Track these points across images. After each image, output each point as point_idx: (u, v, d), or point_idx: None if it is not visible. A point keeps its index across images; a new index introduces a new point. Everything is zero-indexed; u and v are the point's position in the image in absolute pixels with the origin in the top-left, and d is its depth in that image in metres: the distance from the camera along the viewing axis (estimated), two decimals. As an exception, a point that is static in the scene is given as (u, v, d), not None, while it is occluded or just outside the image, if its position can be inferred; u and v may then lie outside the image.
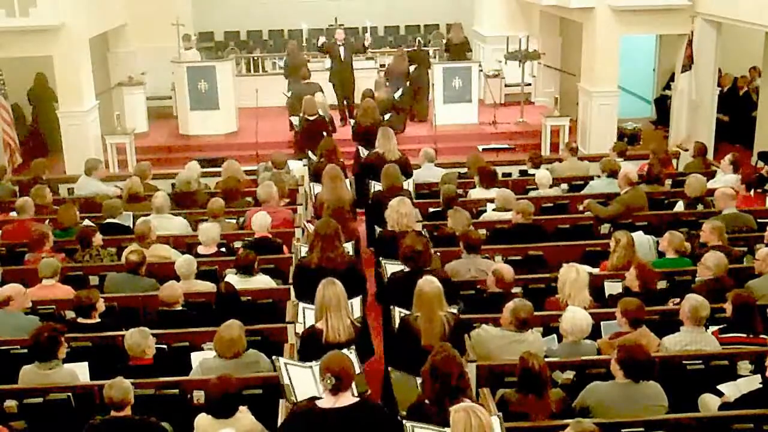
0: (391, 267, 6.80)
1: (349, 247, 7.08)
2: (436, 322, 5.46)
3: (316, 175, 9.37)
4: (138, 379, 5.15)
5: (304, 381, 5.12)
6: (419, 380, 4.84)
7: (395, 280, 6.49)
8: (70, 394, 5.35)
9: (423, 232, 7.40)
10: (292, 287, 6.71)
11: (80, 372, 5.64)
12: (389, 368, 5.62)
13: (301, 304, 6.21)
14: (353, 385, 4.62)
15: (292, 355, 5.78)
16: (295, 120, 12.00)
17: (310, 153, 10.78)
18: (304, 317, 6.08)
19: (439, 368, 4.54)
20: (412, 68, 14.30)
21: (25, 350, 5.65)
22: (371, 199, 8.88)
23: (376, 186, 8.86)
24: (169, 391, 5.36)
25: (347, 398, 4.45)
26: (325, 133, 11.07)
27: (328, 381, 4.41)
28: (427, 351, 4.98)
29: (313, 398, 4.63)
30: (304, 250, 7.08)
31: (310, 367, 5.18)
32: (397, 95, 13.49)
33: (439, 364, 4.55)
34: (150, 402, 5.19)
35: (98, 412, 5.06)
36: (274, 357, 5.45)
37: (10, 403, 5.31)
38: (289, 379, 5.13)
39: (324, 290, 5.49)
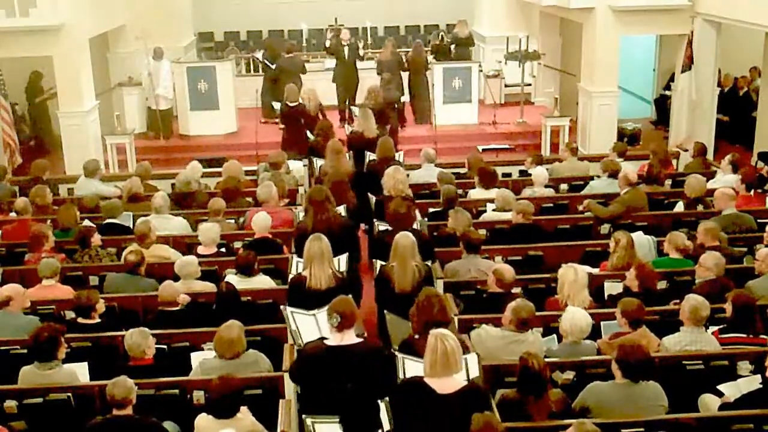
0: (383, 227, 7.56)
1: (341, 210, 7.82)
2: (408, 270, 6.24)
3: (313, 151, 10.24)
4: (138, 379, 5.14)
5: (308, 327, 5.73)
6: (409, 323, 5.48)
7: (380, 237, 7.32)
8: (70, 394, 5.34)
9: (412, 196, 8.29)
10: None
11: (80, 372, 5.64)
12: (384, 311, 6.33)
13: (295, 258, 7.00)
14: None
15: (292, 358, 5.79)
16: (278, 105, 12.18)
17: (310, 136, 11.03)
18: (297, 269, 6.78)
19: (422, 306, 5.27)
20: (431, 58, 14.47)
21: (25, 350, 5.65)
22: (365, 169, 9.59)
23: (370, 156, 9.68)
24: (169, 391, 5.37)
25: (351, 337, 5.05)
26: (303, 120, 11.47)
27: (335, 319, 5.00)
28: (400, 295, 5.97)
29: (321, 338, 5.21)
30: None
31: (314, 314, 5.80)
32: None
33: (422, 302, 5.29)
34: (150, 402, 5.19)
35: (98, 412, 5.08)
36: (282, 306, 6.11)
37: (10, 403, 5.31)
38: (296, 325, 5.79)
39: (310, 244, 6.25)
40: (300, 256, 6.81)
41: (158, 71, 13.60)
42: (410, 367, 5.06)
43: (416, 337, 5.29)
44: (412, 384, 4.69)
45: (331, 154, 9.11)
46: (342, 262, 6.82)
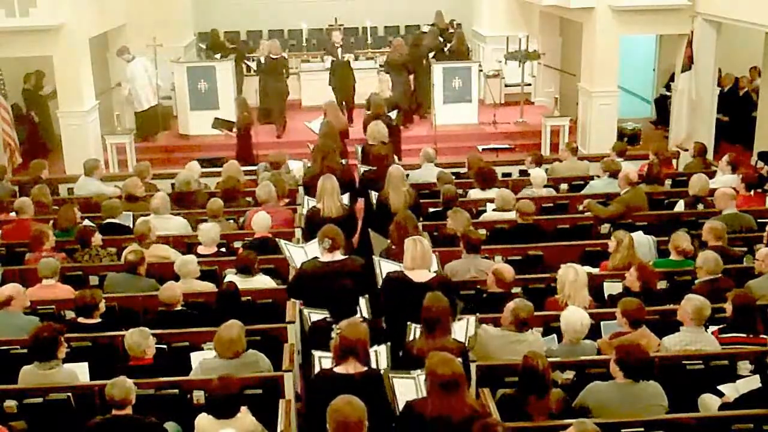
0: (363, 168, 9.48)
1: (344, 161, 9.58)
2: (400, 194, 7.98)
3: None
4: (138, 379, 5.14)
5: (299, 255, 6.96)
6: (389, 241, 7.06)
7: (367, 175, 9.09)
8: (70, 394, 5.35)
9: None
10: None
11: (80, 372, 5.64)
12: (369, 230, 8.15)
13: (306, 198, 8.55)
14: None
15: (293, 357, 5.84)
16: (253, 64, 13.95)
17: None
18: (308, 205, 8.24)
19: (399, 223, 6.89)
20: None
21: (25, 350, 5.64)
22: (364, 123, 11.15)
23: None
24: (169, 391, 5.37)
25: (339, 255, 6.42)
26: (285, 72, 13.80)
27: (327, 243, 6.34)
28: (395, 215, 7.25)
29: (315, 258, 6.48)
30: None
31: (302, 247, 7.15)
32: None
33: (399, 220, 6.93)
34: (150, 402, 5.19)
35: (98, 412, 5.08)
36: (277, 239, 7.37)
37: (10, 403, 5.32)
38: (290, 254, 7.08)
39: (323, 182, 7.75)
40: (311, 196, 8.43)
41: (134, 72, 13.45)
42: (385, 267, 6.54)
43: (393, 247, 6.84)
44: (396, 277, 6.15)
45: (328, 113, 11.00)
46: (345, 198, 8.16)
